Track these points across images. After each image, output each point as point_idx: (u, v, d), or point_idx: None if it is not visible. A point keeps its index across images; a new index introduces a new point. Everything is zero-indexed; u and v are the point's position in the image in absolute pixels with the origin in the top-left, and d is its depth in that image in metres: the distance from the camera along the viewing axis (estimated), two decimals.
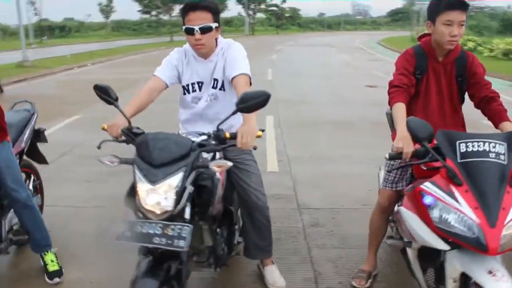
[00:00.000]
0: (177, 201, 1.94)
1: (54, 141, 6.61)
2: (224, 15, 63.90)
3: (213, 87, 2.69)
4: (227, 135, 2.15)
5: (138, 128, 2.26)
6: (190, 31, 2.50)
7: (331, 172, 5.35)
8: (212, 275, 3.00)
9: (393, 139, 2.91)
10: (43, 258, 3.14)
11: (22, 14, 18.97)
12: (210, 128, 2.65)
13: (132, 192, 2.15)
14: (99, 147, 2.24)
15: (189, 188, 1.99)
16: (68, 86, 12.65)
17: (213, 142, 2.14)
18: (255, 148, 2.15)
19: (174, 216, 1.98)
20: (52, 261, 3.11)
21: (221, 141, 2.15)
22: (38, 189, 3.71)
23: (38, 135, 3.65)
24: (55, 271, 3.09)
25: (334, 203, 4.40)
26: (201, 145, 2.11)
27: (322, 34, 66.45)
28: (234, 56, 2.60)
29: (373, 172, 5.39)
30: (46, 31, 45.42)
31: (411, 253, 2.50)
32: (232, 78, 2.54)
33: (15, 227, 3.21)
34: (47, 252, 3.14)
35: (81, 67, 18.19)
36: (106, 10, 54.25)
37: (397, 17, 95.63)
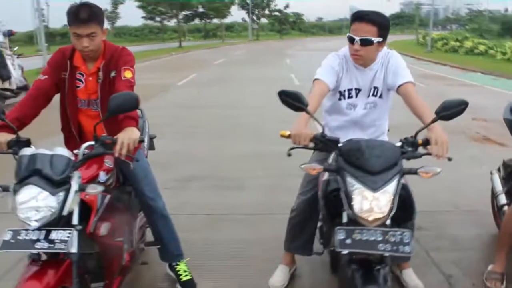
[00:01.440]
0: (391, 208, 1.97)
1: None
2: (226, 20, 64.16)
3: (373, 95, 2.72)
4: (420, 141, 2.17)
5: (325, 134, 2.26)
6: (351, 40, 2.54)
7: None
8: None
9: None
10: (174, 269, 3.09)
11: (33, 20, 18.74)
12: (363, 135, 2.68)
13: (329, 200, 2.18)
14: (289, 155, 2.23)
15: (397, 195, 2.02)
16: None
17: (410, 148, 2.15)
18: (450, 159, 2.14)
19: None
20: (185, 271, 3.07)
21: (416, 148, 2.16)
22: None
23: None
24: (188, 281, 3.05)
25: (425, 206, 4.40)
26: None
27: (325, 38, 66.52)
28: (397, 64, 2.65)
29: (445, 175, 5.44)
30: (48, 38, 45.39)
31: None
32: (399, 86, 2.57)
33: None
34: (180, 262, 3.10)
35: None
36: (112, 16, 54.31)
37: (397, 21, 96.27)
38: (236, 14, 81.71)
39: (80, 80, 2.67)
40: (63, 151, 2.12)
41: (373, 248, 1.93)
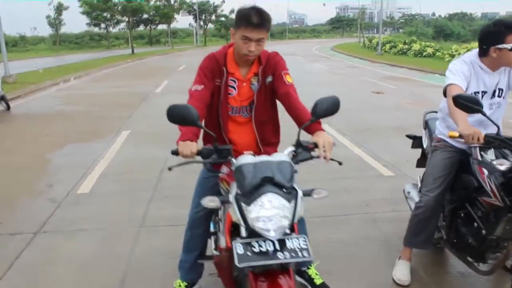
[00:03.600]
0: None
1: (143, 157, 6.44)
2: (172, 26, 63.37)
3: (498, 95, 2.99)
4: None
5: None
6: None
7: None
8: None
9: None
10: (306, 273, 3.08)
11: None
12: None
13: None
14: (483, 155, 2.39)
15: None
16: (74, 102, 12.08)
17: None
18: None
19: None
20: (316, 274, 3.07)
21: None
22: None
23: None
24: (322, 284, 3.04)
25: None
26: None
27: (269, 43, 66.91)
28: None
29: None
30: None
31: None
32: None
33: None
34: (311, 265, 3.10)
35: (66, 82, 17.47)
36: (55, 23, 52.04)
37: (337, 25, 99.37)
38: (180, 20, 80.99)
39: (233, 87, 2.61)
40: (284, 156, 2.09)
41: None
